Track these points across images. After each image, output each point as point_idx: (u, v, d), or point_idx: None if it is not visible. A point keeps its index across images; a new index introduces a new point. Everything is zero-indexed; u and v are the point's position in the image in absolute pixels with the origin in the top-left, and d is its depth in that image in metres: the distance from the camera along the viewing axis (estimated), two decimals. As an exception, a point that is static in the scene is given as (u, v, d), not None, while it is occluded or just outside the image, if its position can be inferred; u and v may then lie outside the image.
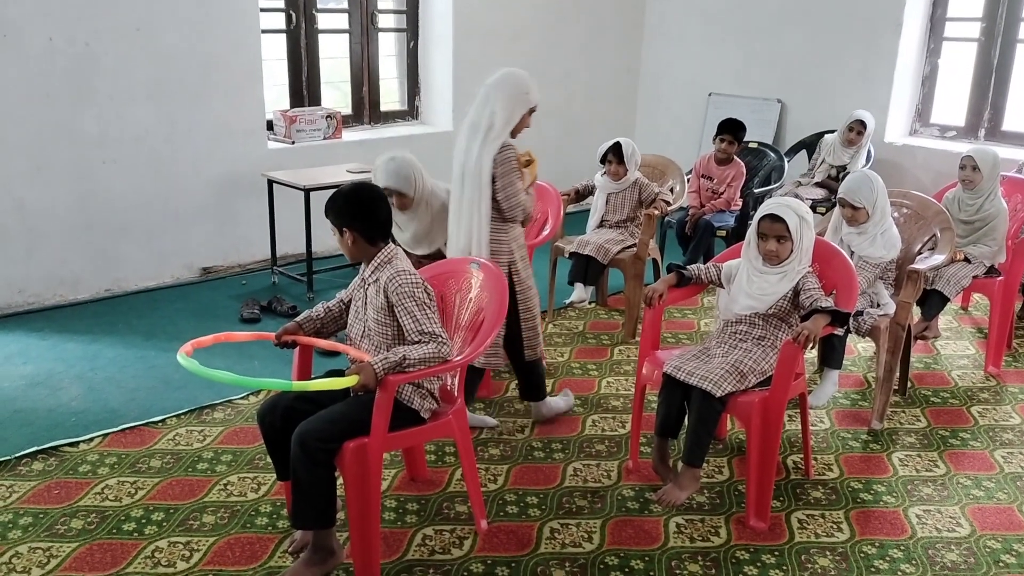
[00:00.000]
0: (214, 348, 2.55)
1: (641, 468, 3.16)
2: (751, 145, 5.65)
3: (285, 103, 5.54)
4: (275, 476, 2.83)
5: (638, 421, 3.21)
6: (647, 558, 2.67)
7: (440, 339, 2.45)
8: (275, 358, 3.60)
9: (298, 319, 2.69)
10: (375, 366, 2.37)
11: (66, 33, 4.38)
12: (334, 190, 2.64)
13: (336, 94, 5.85)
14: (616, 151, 4.46)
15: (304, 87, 5.56)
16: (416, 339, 2.45)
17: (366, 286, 2.57)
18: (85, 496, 2.90)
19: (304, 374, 2.73)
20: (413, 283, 2.48)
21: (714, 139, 5.10)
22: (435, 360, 2.44)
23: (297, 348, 2.69)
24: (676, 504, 2.88)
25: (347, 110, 5.79)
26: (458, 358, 2.59)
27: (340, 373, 2.53)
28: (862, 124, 5.42)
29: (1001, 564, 2.69)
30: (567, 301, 4.56)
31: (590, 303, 4.74)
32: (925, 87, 6.01)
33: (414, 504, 2.92)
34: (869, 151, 5.62)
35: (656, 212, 4.44)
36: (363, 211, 2.54)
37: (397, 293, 2.46)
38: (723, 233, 5.00)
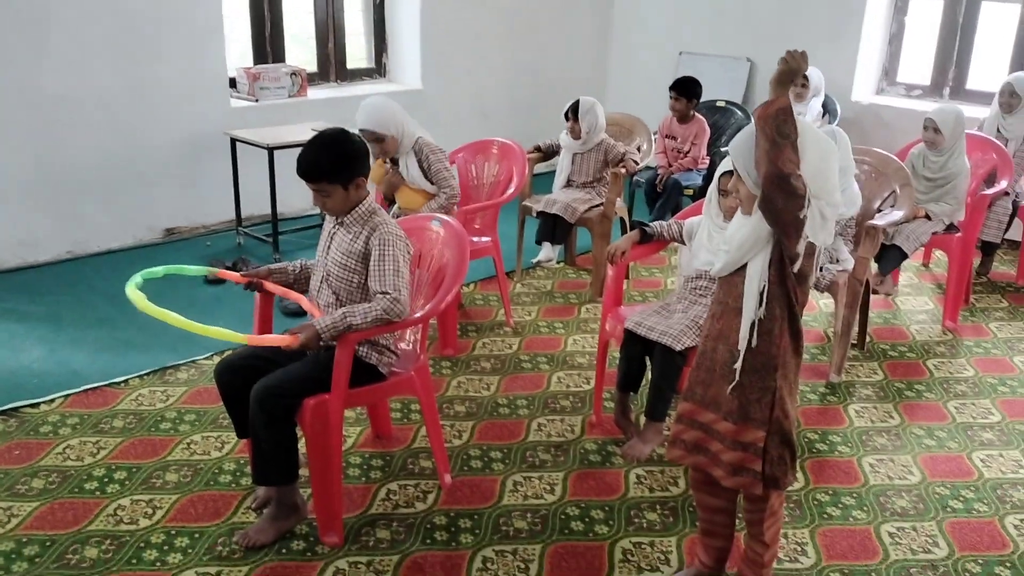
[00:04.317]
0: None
1: (604, 422, 3.20)
2: (719, 104, 5.65)
3: (248, 60, 5.43)
4: (238, 434, 2.84)
5: (601, 377, 3.25)
6: (607, 508, 2.72)
7: (392, 298, 2.42)
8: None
9: (270, 266, 2.67)
10: (319, 328, 2.36)
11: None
12: (319, 142, 2.46)
13: (301, 50, 5.74)
14: (574, 108, 4.45)
15: (268, 43, 5.45)
16: (378, 289, 2.44)
17: (336, 230, 2.55)
18: (46, 456, 2.89)
19: (265, 330, 2.72)
20: (397, 235, 2.49)
21: None
22: (383, 320, 2.42)
23: (258, 302, 2.67)
24: (641, 458, 2.94)
25: (312, 67, 5.69)
26: (417, 315, 2.59)
27: None
28: (804, 77, 5.47)
29: (948, 509, 2.78)
30: (535, 260, 4.57)
31: (558, 262, 4.75)
32: (892, 46, 6.02)
33: (379, 460, 2.94)
34: (836, 109, 5.64)
35: (624, 171, 4.44)
36: (367, 154, 2.52)
37: (382, 241, 2.45)
38: (690, 192, 5.02)
